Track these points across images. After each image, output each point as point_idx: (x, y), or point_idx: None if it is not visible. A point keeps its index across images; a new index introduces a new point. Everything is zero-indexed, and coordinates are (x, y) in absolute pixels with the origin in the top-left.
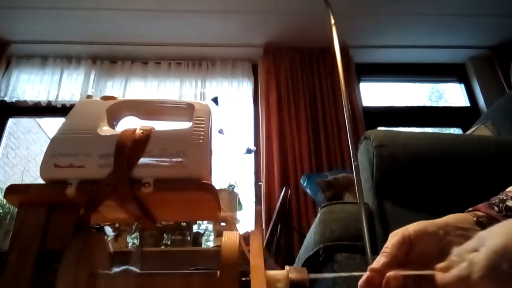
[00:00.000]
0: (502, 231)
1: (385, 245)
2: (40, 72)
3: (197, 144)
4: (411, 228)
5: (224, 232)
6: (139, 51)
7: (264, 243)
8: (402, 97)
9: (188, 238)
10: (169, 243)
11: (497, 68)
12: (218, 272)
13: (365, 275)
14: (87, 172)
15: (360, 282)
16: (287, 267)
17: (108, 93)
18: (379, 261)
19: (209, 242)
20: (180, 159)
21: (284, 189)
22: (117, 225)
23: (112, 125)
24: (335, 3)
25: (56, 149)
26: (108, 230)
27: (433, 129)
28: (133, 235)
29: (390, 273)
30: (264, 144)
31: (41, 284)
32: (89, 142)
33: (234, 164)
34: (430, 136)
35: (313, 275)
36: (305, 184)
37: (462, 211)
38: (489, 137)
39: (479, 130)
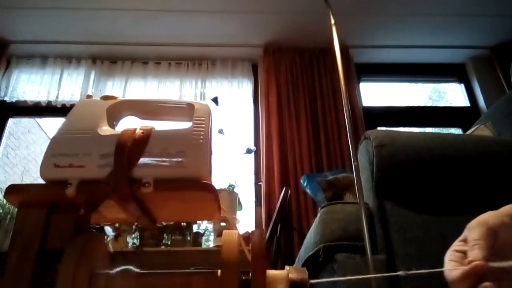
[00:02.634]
0: None
1: (472, 237)
2: (40, 72)
3: (197, 144)
4: (491, 220)
5: (223, 231)
6: (139, 51)
7: (264, 243)
8: (402, 97)
9: (188, 238)
10: (169, 243)
11: (497, 68)
12: (218, 271)
13: (465, 268)
14: (87, 172)
15: (458, 275)
16: (287, 267)
17: (108, 93)
18: (477, 254)
19: (209, 242)
20: (180, 159)
21: (284, 189)
22: (117, 225)
23: (112, 125)
24: (335, 3)
25: (56, 149)
26: (108, 230)
27: (433, 129)
28: (133, 235)
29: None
30: (264, 144)
31: (41, 284)
32: (89, 142)
33: (234, 164)
34: (430, 136)
35: (314, 281)
36: (305, 184)
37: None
38: (489, 137)
39: (479, 130)
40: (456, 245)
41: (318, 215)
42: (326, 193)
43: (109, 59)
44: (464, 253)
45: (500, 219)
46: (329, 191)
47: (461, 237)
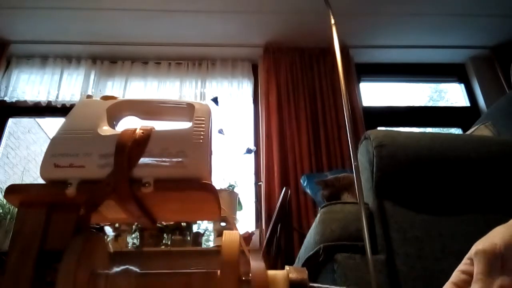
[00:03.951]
0: None
1: (477, 271)
2: (40, 72)
3: (197, 144)
4: (499, 241)
5: (224, 231)
6: (139, 51)
7: (264, 243)
8: (402, 97)
9: (188, 238)
10: (169, 243)
11: (497, 68)
12: (218, 272)
13: None
14: (87, 172)
15: None
16: (287, 267)
17: (108, 93)
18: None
19: (209, 242)
20: (180, 159)
21: (284, 189)
22: (117, 225)
23: (112, 125)
24: (335, 3)
25: (56, 149)
26: (108, 230)
27: (433, 129)
28: (133, 235)
29: None
30: (264, 144)
31: (41, 284)
32: (89, 142)
33: (234, 164)
34: (430, 136)
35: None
36: (305, 184)
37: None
38: (489, 137)
39: (479, 130)
40: (463, 263)
41: (318, 215)
42: (323, 192)
43: (109, 59)
44: (469, 274)
45: (510, 238)
46: (326, 190)
47: (468, 255)
